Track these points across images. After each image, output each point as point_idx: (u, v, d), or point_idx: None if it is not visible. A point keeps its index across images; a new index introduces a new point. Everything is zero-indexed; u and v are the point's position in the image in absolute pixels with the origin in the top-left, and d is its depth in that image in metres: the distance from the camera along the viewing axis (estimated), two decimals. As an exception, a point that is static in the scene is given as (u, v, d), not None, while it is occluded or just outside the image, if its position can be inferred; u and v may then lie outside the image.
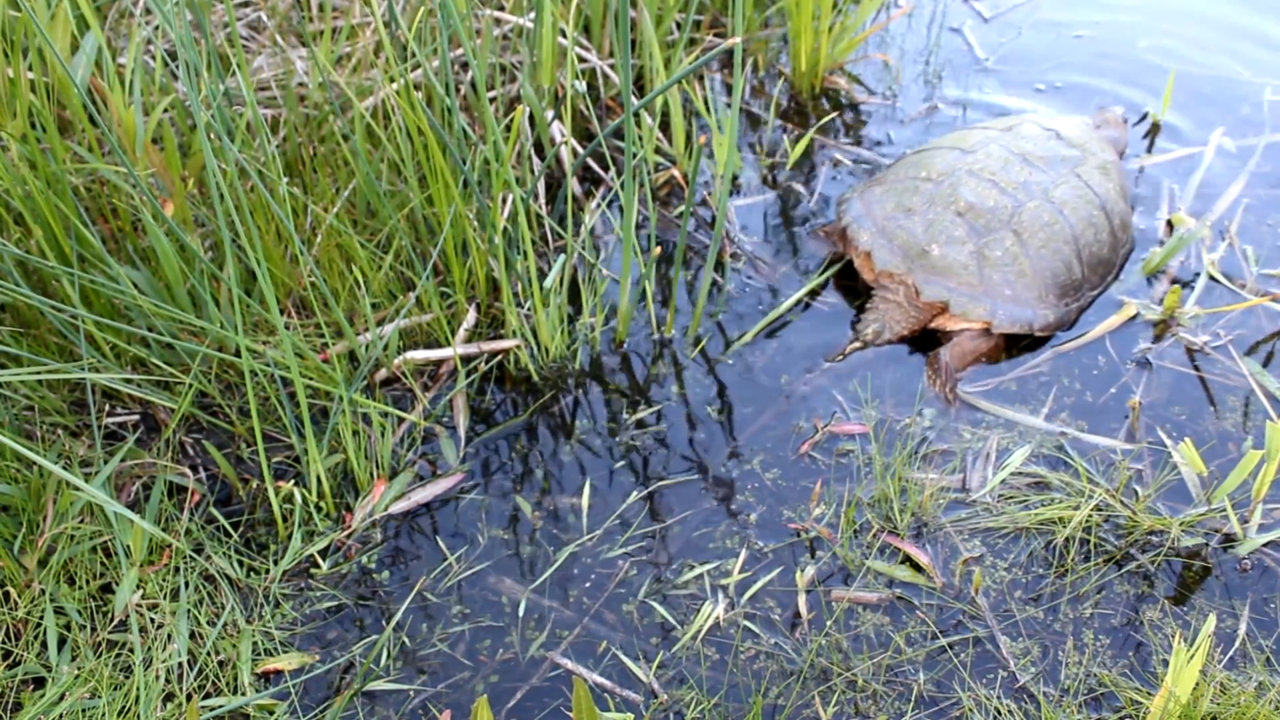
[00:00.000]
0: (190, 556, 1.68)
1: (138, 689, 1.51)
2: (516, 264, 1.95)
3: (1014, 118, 2.20)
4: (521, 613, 1.65)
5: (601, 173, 2.34)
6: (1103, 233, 2.00)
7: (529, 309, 2.02)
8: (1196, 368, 1.95)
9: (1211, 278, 2.10)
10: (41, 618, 1.59)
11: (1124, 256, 2.09)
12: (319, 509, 1.75)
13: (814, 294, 2.10)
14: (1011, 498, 1.76)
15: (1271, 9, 2.81)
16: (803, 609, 1.63)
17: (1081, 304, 2.00)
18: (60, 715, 1.48)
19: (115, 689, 1.53)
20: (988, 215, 1.94)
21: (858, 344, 1.94)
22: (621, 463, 1.84)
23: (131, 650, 1.57)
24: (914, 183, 2.03)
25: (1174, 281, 2.09)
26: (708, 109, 2.41)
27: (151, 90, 2.00)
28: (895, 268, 1.96)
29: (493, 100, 2.30)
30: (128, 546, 1.64)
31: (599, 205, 2.26)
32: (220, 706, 1.51)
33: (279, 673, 1.57)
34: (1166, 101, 2.43)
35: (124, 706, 1.50)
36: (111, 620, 1.60)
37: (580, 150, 2.32)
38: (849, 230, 2.05)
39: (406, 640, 1.62)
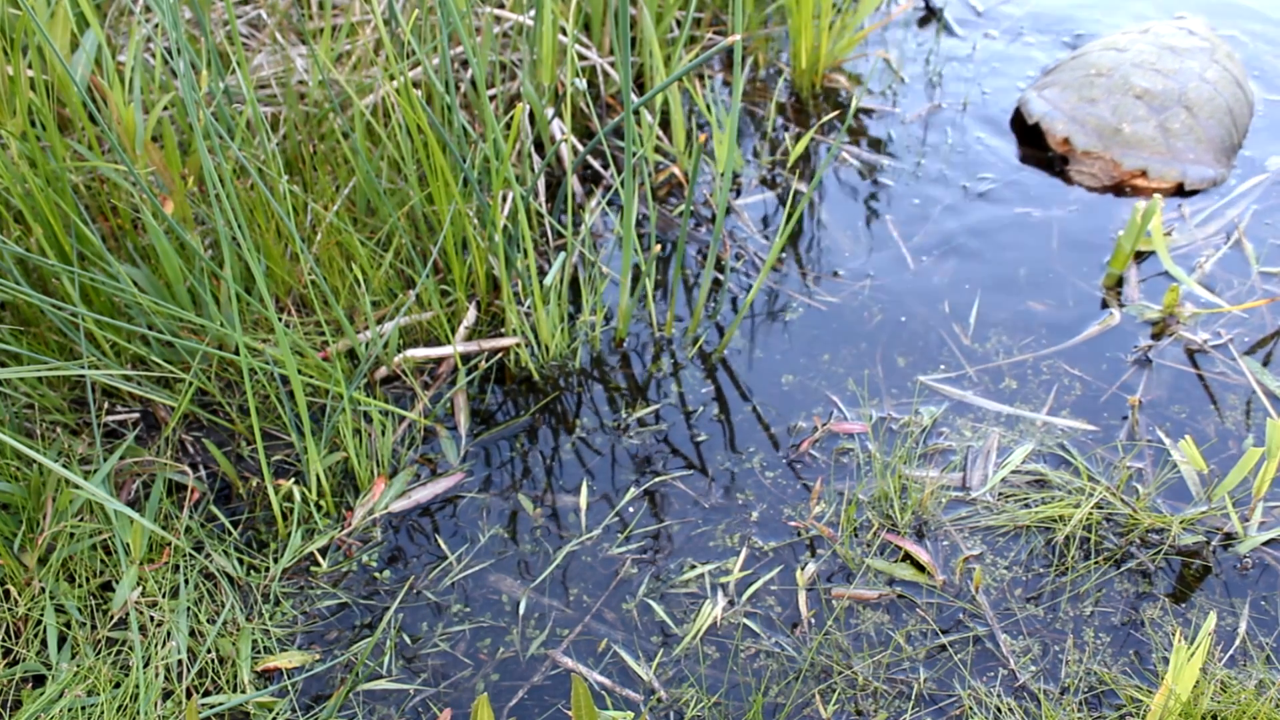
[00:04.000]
0: (190, 554, 1.68)
1: (137, 686, 1.51)
2: (517, 262, 1.95)
3: (1145, 24, 2.57)
4: (522, 611, 1.64)
5: (602, 171, 2.34)
6: (1244, 105, 2.41)
7: (529, 307, 2.02)
8: (1196, 366, 1.95)
9: (1167, 276, 2.10)
10: (41, 615, 1.59)
11: (1249, 125, 2.48)
12: (319, 507, 1.75)
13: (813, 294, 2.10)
14: (1012, 496, 1.75)
15: (1270, 4, 2.81)
16: (803, 607, 1.63)
17: (1231, 163, 2.38)
18: (59, 713, 1.48)
19: (115, 687, 1.53)
20: (1161, 96, 2.32)
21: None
22: (622, 461, 1.84)
23: (131, 648, 1.57)
24: (1088, 79, 2.40)
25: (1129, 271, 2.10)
26: (708, 107, 2.41)
27: (151, 88, 2.00)
28: (1093, 147, 2.33)
29: (493, 98, 2.29)
30: (127, 544, 1.64)
31: (599, 203, 2.26)
32: (220, 704, 1.51)
33: (279, 671, 1.57)
34: None
35: (123, 704, 1.50)
36: (111, 618, 1.60)
37: (580, 148, 2.32)
38: (1042, 124, 2.39)
39: (407, 639, 1.61)
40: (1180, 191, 2.31)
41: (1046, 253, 2.18)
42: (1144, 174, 2.31)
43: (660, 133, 2.38)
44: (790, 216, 2.07)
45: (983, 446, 1.82)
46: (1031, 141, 2.46)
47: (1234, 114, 2.35)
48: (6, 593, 1.61)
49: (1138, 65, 2.38)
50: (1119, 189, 2.34)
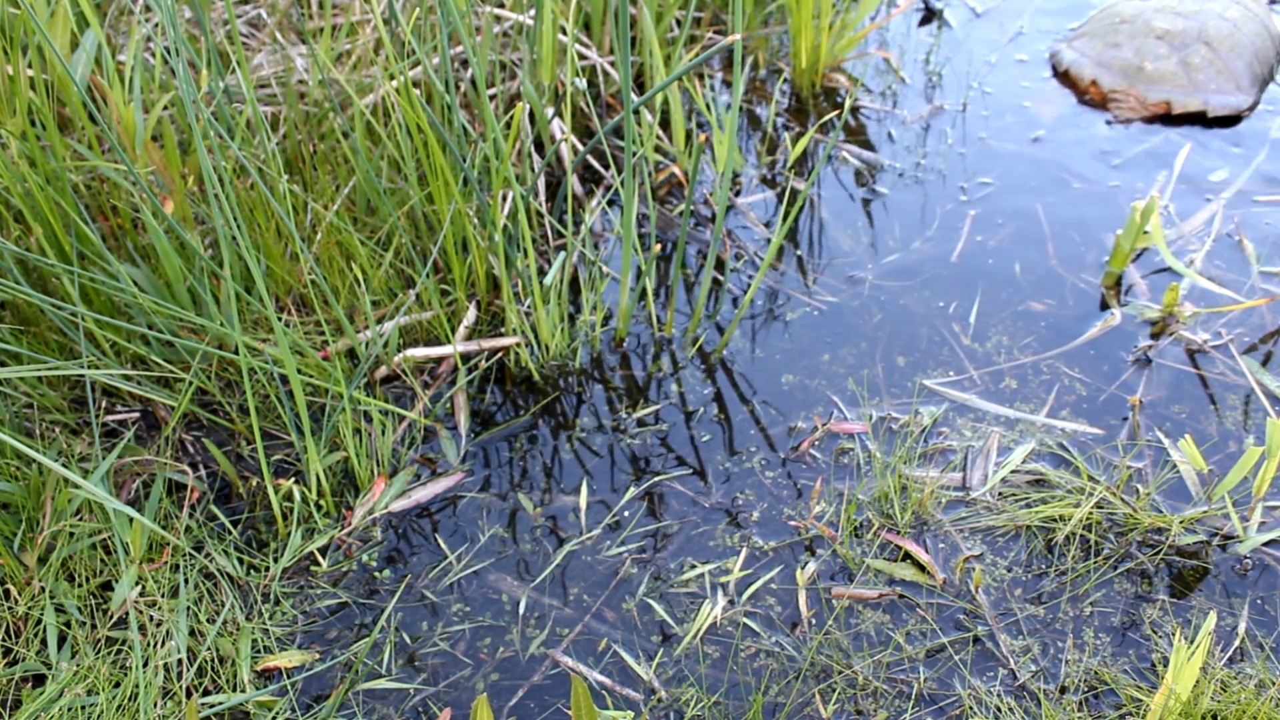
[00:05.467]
0: (190, 554, 1.68)
1: (136, 686, 1.51)
2: (517, 261, 1.95)
3: None
4: (522, 611, 1.64)
5: (602, 170, 2.34)
6: (1267, 41, 2.55)
7: (529, 307, 2.02)
8: (1196, 366, 1.95)
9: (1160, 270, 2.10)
10: (41, 615, 1.59)
11: (1276, 62, 2.62)
12: (319, 507, 1.75)
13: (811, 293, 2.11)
14: (1012, 495, 1.75)
15: None
16: (803, 607, 1.63)
17: (1260, 94, 2.54)
18: (59, 712, 1.48)
19: (114, 686, 1.53)
20: (1181, 35, 2.49)
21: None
22: (621, 461, 1.84)
23: (131, 647, 1.57)
24: (1112, 27, 2.57)
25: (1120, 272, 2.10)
26: (708, 107, 2.41)
27: (151, 88, 2.00)
28: (1119, 85, 2.50)
29: (493, 97, 2.29)
30: (127, 544, 1.64)
31: (599, 203, 2.26)
32: (219, 704, 1.51)
33: (278, 670, 1.57)
34: None
35: (122, 704, 1.50)
36: (111, 617, 1.60)
37: (580, 147, 2.32)
38: (1070, 71, 2.57)
39: (406, 638, 1.61)
40: (1205, 121, 2.45)
41: (1046, 253, 2.18)
42: (1168, 105, 2.46)
43: (660, 132, 2.38)
44: (788, 216, 2.07)
45: (983, 446, 1.82)
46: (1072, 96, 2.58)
47: (1257, 49, 2.50)
48: (6, 592, 1.61)
49: (1159, 10, 2.53)
50: (1156, 118, 2.48)
